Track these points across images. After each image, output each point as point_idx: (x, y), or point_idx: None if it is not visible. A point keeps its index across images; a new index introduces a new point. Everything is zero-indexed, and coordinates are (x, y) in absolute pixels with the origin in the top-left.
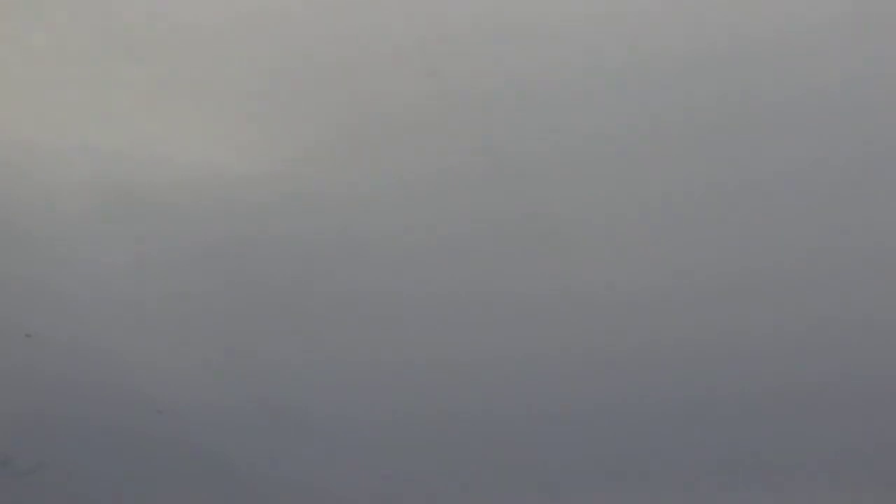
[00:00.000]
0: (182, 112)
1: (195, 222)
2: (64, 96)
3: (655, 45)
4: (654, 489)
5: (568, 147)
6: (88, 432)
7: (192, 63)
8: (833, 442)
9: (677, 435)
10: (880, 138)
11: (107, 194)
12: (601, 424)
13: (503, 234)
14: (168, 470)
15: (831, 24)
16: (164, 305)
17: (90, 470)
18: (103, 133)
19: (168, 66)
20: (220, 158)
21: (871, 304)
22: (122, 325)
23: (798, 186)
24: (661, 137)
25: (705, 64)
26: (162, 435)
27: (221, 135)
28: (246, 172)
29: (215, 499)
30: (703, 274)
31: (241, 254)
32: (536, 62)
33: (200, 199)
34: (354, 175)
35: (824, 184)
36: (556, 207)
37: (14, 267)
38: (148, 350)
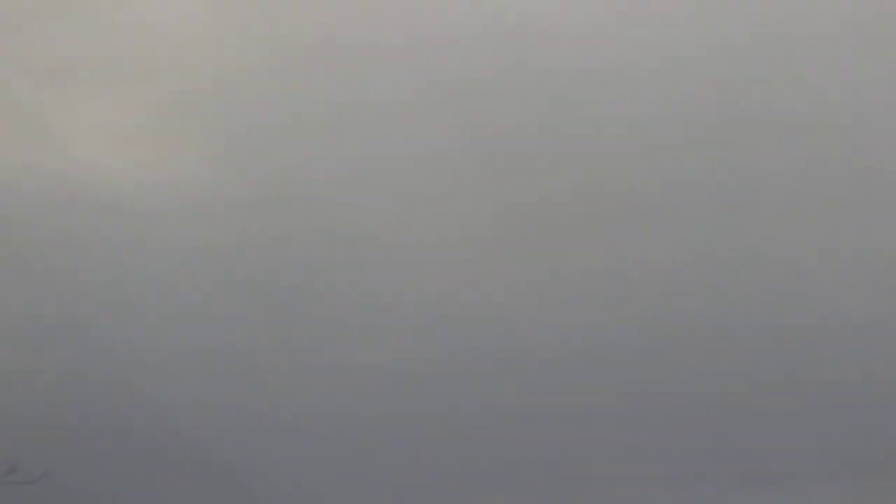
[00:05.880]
0: (185, 134)
1: (189, 235)
2: (68, 117)
3: (666, 52)
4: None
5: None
6: (93, 437)
7: (193, 86)
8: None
9: (683, 436)
10: (883, 144)
11: (110, 211)
12: (598, 427)
13: (497, 235)
14: (169, 472)
15: (834, 35)
16: (165, 310)
17: (94, 475)
18: (107, 153)
19: (169, 88)
20: (213, 178)
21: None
22: (125, 331)
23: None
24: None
25: (706, 67)
26: (163, 438)
27: (220, 156)
28: (238, 192)
29: (215, 500)
30: (703, 269)
31: (236, 261)
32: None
33: (195, 215)
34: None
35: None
36: (555, 197)
37: (14, 279)
38: (148, 352)
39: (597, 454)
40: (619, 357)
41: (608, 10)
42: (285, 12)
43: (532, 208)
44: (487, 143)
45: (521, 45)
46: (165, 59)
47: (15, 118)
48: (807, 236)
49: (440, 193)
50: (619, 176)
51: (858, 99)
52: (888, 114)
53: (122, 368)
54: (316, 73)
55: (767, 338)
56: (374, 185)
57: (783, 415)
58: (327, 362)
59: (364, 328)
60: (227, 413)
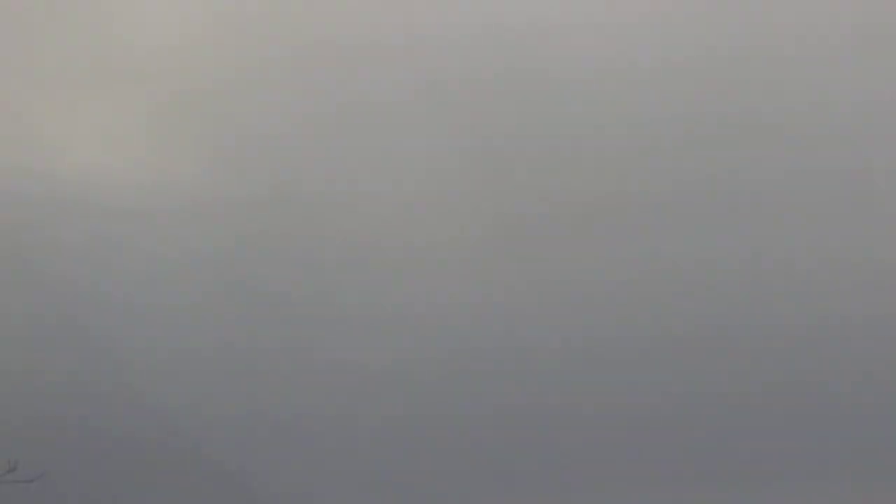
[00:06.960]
0: (185, 134)
1: (189, 235)
2: (66, 119)
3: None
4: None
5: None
6: (92, 437)
7: (193, 86)
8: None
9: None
10: (882, 148)
11: (109, 212)
12: (598, 427)
13: (492, 240)
14: (169, 472)
15: (834, 35)
16: (165, 310)
17: (94, 474)
18: (107, 154)
19: (169, 88)
20: (213, 178)
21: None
22: (125, 331)
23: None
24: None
25: (706, 67)
26: (163, 438)
27: (220, 156)
28: (241, 193)
29: (215, 501)
30: (695, 271)
31: (236, 261)
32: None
33: (195, 215)
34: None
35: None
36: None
37: (15, 280)
38: (148, 352)
39: (597, 454)
40: (619, 357)
41: (608, 11)
42: (285, 12)
43: (532, 208)
44: (487, 143)
45: (521, 45)
46: (165, 59)
47: (14, 121)
48: (807, 236)
49: (440, 194)
50: (620, 176)
51: (858, 99)
52: (888, 114)
53: (122, 369)
54: (316, 73)
55: (767, 338)
56: (374, 186)
57: (783, 415)
58: (327, 362)
59: (364, 328)
60: (227, 413)
